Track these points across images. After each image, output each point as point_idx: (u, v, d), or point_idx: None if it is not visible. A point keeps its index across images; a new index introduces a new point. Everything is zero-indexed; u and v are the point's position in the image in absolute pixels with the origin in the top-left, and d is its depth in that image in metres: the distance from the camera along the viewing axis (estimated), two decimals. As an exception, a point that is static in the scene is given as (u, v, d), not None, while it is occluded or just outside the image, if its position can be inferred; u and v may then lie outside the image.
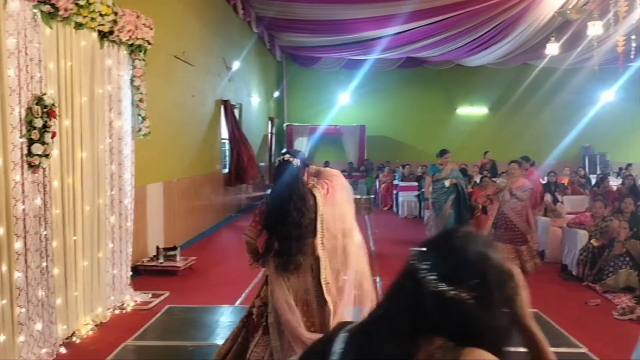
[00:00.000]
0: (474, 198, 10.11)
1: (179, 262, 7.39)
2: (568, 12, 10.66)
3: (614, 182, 12.04)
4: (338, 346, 1.20)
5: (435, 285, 1.10)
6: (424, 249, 1.18)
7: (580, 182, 12.57)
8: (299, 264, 3.38)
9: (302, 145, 18.90)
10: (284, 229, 3.35)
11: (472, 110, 19.90)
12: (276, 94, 19.12)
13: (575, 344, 5.00)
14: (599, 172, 15.63)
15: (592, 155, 18.68)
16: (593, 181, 12.76)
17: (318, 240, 3.44)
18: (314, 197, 3.43)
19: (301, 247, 3.39)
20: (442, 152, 9.03)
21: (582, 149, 18.98)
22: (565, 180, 12.47)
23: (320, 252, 3.45)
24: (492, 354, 1.10)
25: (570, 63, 16.29)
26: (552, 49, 12.71)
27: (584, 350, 4.86)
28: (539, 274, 7.78)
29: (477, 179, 11.98)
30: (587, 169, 16.73)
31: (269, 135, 17.85)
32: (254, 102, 15.51)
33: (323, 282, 3.44)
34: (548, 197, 9.45)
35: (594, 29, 10.38)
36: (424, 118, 19.46)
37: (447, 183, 8.56)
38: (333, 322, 3.31)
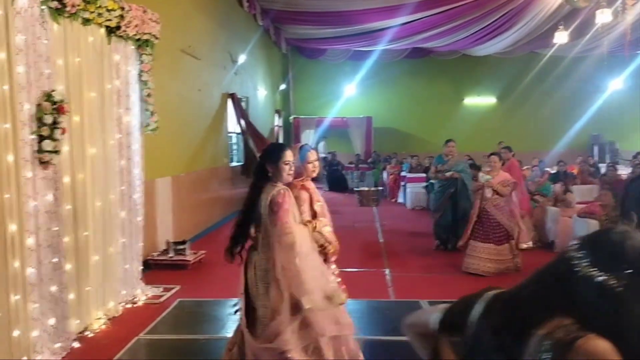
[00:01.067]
0: None
1: (189, 256, 7.42)
2: (576, 0, 10.56)
3: (624, 171, 11.97)
4: (481, 305, 1.34)
5: (586, 270, 1.19)
6: (581, 241, 1.27)
7: (589, 171, 12.50)
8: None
9: (309, 137, 18.91)
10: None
11: (480, 100, 19.83)
12: (282, 86, 19.10)
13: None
14: (608, 160, 15.54)
15: (601, 144, 18.57)
16: (603, 170, 12.68)
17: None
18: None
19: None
20: (446, 142, 8.79)
21: (590, 137, 18.87)
22: (575, 170, 12.40)
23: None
24: (621, 347, 1.15)
25: (579, 51, 16.17)
26: (561, 37, 12.62)
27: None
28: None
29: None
30: (596, 158, 16.64)
31: (276, 128, 17.86)
32: (260, 95, 15.51)
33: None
34: (558, 187, 9.40)
35: (603, 16, 10.30)
36: (431, 109, 19.40)
37: (448, 175, 8.33)
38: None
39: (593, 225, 7.47)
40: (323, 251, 3.77)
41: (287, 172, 3.54)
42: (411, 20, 13.53)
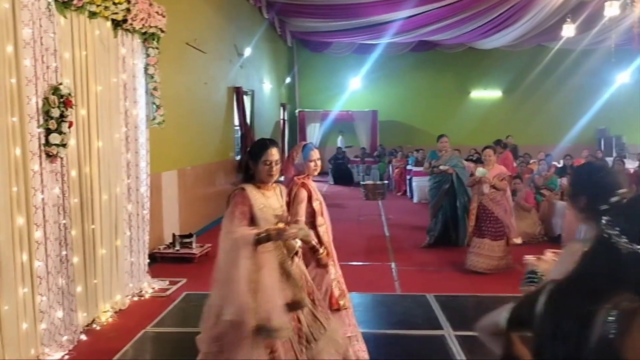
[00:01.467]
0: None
1: (195, 249, 7.44)
2: (584, -8, 10.49)
3: (631, 165, 11.91)
4: (544, 297, 1.40)
5: (627, 246, 1.23)
6: (611, 217, 1.31)
7: (596, 165, 12.44)
8: None
9: (314, 131, 18.90)
10: None
11: (486, 94, 19.74)
12: (287, 80, 19.07)
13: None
14: (615, 154, 15.47)
15: (608, 138, 18.46)
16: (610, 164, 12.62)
17: None
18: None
19: None
20: (439, 137, 8.56)
21: (597, 131, 18.78)
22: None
23: None
24: None
25: (586, 44, 16.06)
26: (568, 30, 12.53)
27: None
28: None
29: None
30: (602, 152, 16.56)
31: (281, 121, 17.84)
32: (265, 89, 15.49)
33: None
34: (564, 181, 9.37)
35: (611, 9, 10.22)
36: (437, 102, 19.32)
37: (442, 168, 8.18)
38: None
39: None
40: (314, 255, 3.76)
41: (267, 172, 3.27)
42: (417, 13, 13.47)
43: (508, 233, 7.04)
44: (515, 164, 10.91)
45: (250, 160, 3.32)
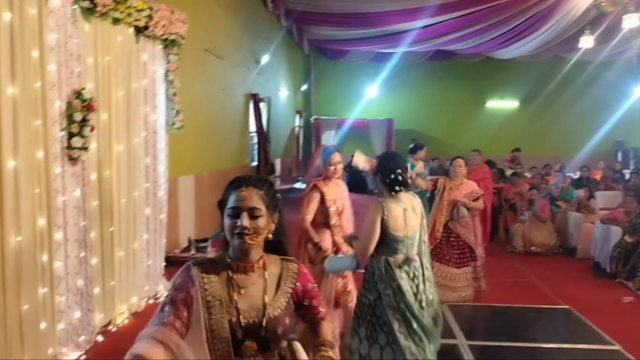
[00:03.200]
0: (504, 194, 10.01)
1: (210, 254, 7.48)
2: (603, 4, 10.43)
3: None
4: None
5: None
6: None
7: (613, 177, 12.35)
8: None
9: (330, 138, 18.92)
10: None
11: (502, 104, 19.66)
12: (304, 87, 19.15)
13: (608, 341, 4.94)
14: (632, 167, 15.33)
15: (625, 150, 18.30)
16: (627, 176, 12.52)
17: None
18: None
19: None
20: (415, 148, 8.01)
21: (614, 143, 18.60)
22: (598, 175, 12.27)
23: None
24: None
25: (605, 56, 15.96)
26: (587, 42, 12.47)
27: (617, 347, 4.80)
28: (570, 271, 7.70)
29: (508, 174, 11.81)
30: (620, 164, 16.41)
31: (297, 128, 17.91)
32: (282, 96, 15.57)
33: None
34: (582, 193, 9.32)
35: (630, 21, 10.17)
36: (453, 111, 19.28)
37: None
38: None
39: (616, 232, 7.39)
40: (318, 252, 3.87)
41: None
42: (434, 22, 13.47)
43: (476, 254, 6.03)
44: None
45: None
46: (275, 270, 1.97)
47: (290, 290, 1.95)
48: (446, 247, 5.85)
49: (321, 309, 2.06)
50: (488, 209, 7.76)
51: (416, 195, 3.63)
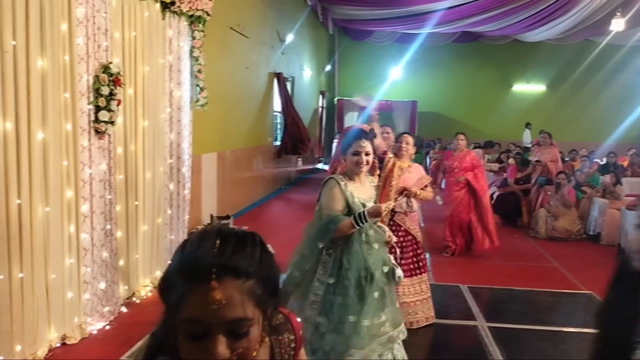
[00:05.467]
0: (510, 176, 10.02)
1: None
2: (636, -15, 10.17)
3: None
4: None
5: None
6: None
7: (640, 163, 12.13)
8: None
9: (353, 120, 18.85)
10: None
11: (529, 88, 19.38)
12: (328, 67, 19.06)
13: (631, 327, 4.89)
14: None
15: (655, 137, 17.92)
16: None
17: None
18: None
19: None
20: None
21: (643, 129, 18.24)
22: (626, 162, 12.06)
23: None
24: None
25: (636, 40, 15.58)
26: (618, 24, 12.19)
27: (639, 333, 4.75)
28: (594, 257, 7.61)
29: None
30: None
31: (320, 109, 17.88)
32: (305, 76, 15.53)
33: None
34: (608, 178, 9.17)
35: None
36: (478, 94, 19.07)
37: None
38: None
39: (642, 219, 7.27)
40: None
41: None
42: (461, 3, 13.27)
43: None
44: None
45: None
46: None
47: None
48: (401, 250, 4.41)
49: None
50: (487, 204, 7.17)
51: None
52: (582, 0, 12.45)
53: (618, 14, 12.07)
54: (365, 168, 3.22)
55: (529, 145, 15.33)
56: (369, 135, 3.25)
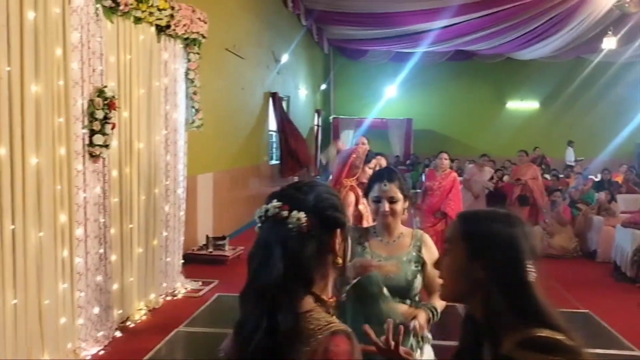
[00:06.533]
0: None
1: (228, 252, 7.54)
2: (626, 5, 10.30)
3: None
4: None
5: None
6: None
7: (635, 180, 12.16)
8: None
9: (348, 138, 18.90)
10: None
11: (523, 105, 19.49)
12: (323, 86, 19.15)
13: (628, 346, 4.88)
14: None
15: (648, 153, 18.03)
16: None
17: None
18: None
19: None
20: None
21: (636, 145, 18.32)
22: (620, 178, 12.10)
23: None
24: None
25: (628, 57, 15.73)
26: (609, 43, 12.32)
27: (637, 353, 4.74)
28: (590, 274, 7.60)
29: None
30: (642, 167, 16.15)
31: (316, 127, 17.92)
32: (301, 95, 15.60)
33: None
34: (603, 196, 9.19)
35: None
36: (473, 112, 19.15)
37: None
38: None
39: (637, 236, 7.28)
40: None
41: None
42: (455, 23, 13.39)
43: None
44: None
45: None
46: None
47: None
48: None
49: None
50: None
51: None
52: (574, 19, 12.58)
53: (610, 32, 12.20)
54: (390, 219, 2.58)
55: (572, 164, 15.40)
56: (393, 176, 2.61)
